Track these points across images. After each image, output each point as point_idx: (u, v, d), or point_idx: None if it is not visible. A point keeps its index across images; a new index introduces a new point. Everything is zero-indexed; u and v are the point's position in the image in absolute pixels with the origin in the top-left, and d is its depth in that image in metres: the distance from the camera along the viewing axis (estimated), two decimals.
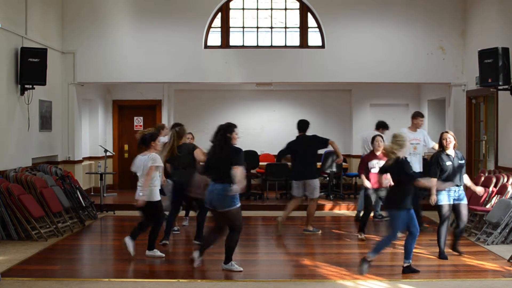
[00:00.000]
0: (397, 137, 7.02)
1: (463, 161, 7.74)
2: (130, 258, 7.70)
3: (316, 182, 9.57)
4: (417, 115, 9.93)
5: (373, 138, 9.37)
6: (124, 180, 14.53)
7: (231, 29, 12.91)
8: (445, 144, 7.61)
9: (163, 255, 7.87)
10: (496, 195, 9.28)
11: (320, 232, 9.57)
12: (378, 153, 9.02)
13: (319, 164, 12.22)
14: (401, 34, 12.53)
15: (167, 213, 8.49)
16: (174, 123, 9.45)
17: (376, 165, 8.87)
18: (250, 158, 13.17)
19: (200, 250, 7.20)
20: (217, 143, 7.01)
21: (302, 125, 9.72)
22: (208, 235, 7.35)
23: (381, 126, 11.04)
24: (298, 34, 12.91)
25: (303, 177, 9.50)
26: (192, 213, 10.12)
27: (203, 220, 8.65)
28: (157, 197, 7.72)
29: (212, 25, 12.75)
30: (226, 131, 7.03)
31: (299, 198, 9.65)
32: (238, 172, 6.79)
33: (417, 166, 9.47)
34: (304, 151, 9.51)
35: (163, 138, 9.60)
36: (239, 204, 7.04)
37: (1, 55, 9.69)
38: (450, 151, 7.64)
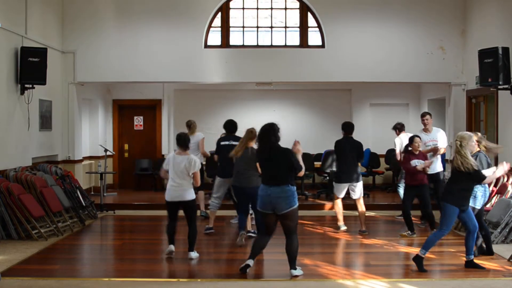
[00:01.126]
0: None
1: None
2: (130, 258, 7.69)
3: (361, 184, 9.52)
4: (422, 115, 10.18)
5: (412, 139, 9.27)
6: (124, 180, 14.55)
7: (231, 29, 12.91)
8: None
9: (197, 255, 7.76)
10: (496, 195, 9.29)
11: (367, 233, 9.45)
12: (417, 153, 9.10)
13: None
14: (401, 34, 12.53)
15: None
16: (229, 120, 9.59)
17: (417, 163, 8.97)
18: None
19: (252, 257, 6.97)
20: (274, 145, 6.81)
21: (347, 127, 9.63)
22: (260, 240, 7.05)
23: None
24: (298, 33, 12.91)
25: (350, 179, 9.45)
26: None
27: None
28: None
29: (212, 25, 12.75)
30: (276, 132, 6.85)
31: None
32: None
33: (436, 166, 9.72)
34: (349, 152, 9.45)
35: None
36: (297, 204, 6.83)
37: (1, 54, 9.69)
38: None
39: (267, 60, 12.61)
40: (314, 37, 12.80)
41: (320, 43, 12.71)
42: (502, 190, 9.23)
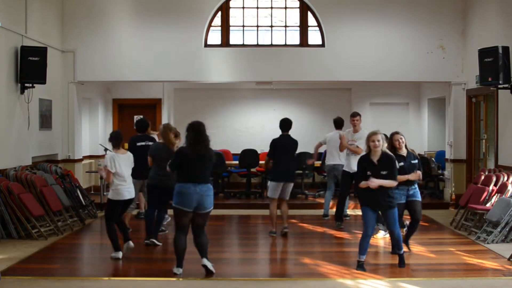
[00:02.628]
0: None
1: (416, 161, 7.75)
2: (130, 257, 7.70)
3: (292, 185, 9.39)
4: (350, 115, 10.31)
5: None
6: None
7: (231, 28, 12.89)
8: (398, 146, 7.65)
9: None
10: (496, 194, 9.28)
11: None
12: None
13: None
14: (401, 33, 12.51)
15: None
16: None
17: None
18: (250, 157, 13.17)
19: (179, 263, 6.93)
20: (203, 143, 6.85)
21: (287, 124, 9.44)
22: (181, 246, 6.90)
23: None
24: (298, 33, 12.89)
25: (287, 179, 9.24)
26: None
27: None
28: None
29: (212, 24, 12.74)
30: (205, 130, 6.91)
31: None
32: None
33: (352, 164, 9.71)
34: (288, 151, 9.30)
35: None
36: None
37: (1, 54, 9.68)
38: (403, 152, 7.67)
39: (267, 59, 12.61)
40: (314, 36, 12.79)
41: (320, 42, 12.70)
42: (502, 189, 9.23)
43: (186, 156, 6.79)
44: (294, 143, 9.36)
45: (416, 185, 7.82)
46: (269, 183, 9.37)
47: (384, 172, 6.90)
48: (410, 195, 7.77)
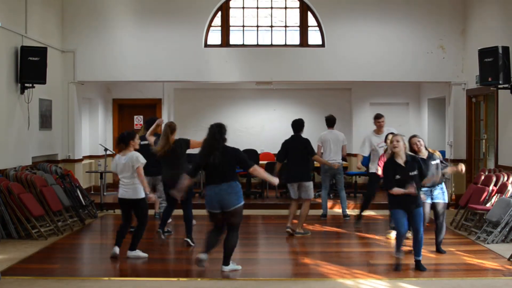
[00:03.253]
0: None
1: (437, 161, 7.75)
2: (130, 257, 7.70)
3: (311, 184, 9.39)
4: (375, 117, 10.23)
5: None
6: None
7: (231, 28, 12.90)
8: (416, 149, 7.63)
9: (147, 255, 7.75)
10: (496, 194, 9.28)
11: (309, 234, 9.41)
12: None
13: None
14: (401, 33, 12.52)
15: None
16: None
17: None
18: (250, 156, 13.16)
19: (206, 252, 6.96)
20: (219, 143, 6.83)
21: (298, 125, 9.52)
22: (211, 238, 7.01)
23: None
24: (298, 33, 12.90)
25: (298, 179, 9.31)
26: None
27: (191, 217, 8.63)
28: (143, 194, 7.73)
29: (212, 24, 12.74)
30: (224, 131, 6.91)
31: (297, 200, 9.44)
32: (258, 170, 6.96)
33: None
34: (299, 151, 9.31)
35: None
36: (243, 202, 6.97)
37: (1, 54, 9.68)
38: (423, 154, 7.65)
39: (267, 59, 12.61)
40: (314, 36, 12.79)
41: (320, 42, 12.70)
42: (502, 189, 9.23)
43: (202, 162, 6.86)
44: (305, 141, 9.37)
45: (440, 185, 7.82)
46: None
47: (412, 173, 6.91)
48: (434, 196, 7.81)
